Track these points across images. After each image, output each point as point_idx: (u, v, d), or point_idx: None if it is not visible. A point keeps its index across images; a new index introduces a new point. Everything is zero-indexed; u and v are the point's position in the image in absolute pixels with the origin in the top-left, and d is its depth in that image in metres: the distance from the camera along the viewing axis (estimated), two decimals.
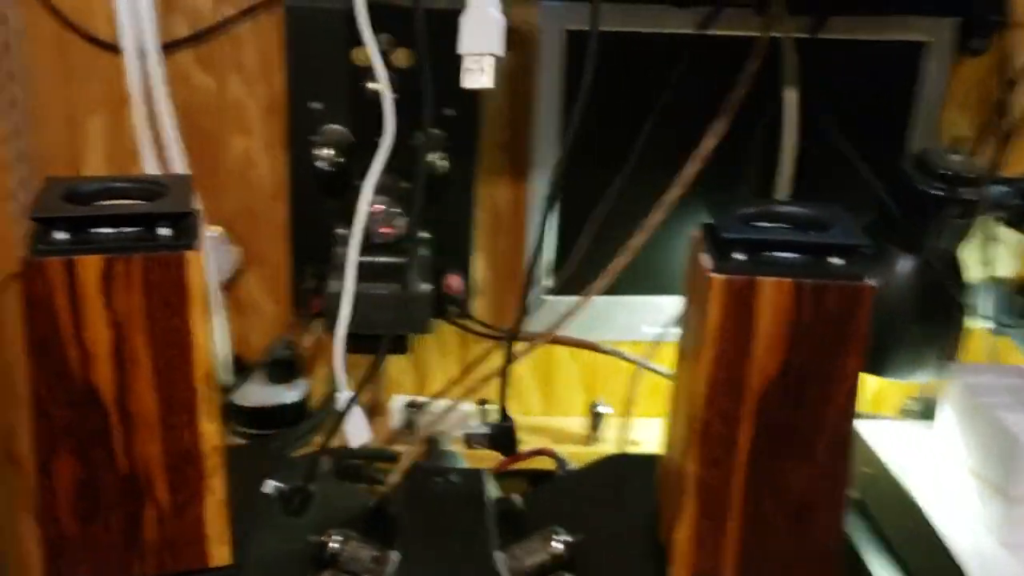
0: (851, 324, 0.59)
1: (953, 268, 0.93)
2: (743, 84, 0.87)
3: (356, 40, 0.93)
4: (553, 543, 0.72)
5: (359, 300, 0.91)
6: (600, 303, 0.92)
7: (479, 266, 1.06)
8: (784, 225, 0.62)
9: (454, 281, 1.01)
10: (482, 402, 1.06)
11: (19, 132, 0.99)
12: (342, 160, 0.93)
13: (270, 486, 0.60)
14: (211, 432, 0.60)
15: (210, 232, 1.04)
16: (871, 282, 0.59)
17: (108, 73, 0.99)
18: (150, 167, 1.01)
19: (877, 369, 0.94)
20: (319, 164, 0.92)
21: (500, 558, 0.71)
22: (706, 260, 0.60)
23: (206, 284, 0.58)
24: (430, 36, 0.83)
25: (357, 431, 0.61)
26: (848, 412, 0.61)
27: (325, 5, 0.94)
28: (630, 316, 1.06)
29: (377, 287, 0.91)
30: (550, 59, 1.00)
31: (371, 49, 0.81)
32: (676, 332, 0.70)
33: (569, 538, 0.72)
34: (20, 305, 0.55)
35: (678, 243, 0.92)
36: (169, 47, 0.99)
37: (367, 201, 0.86)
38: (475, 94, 0.95)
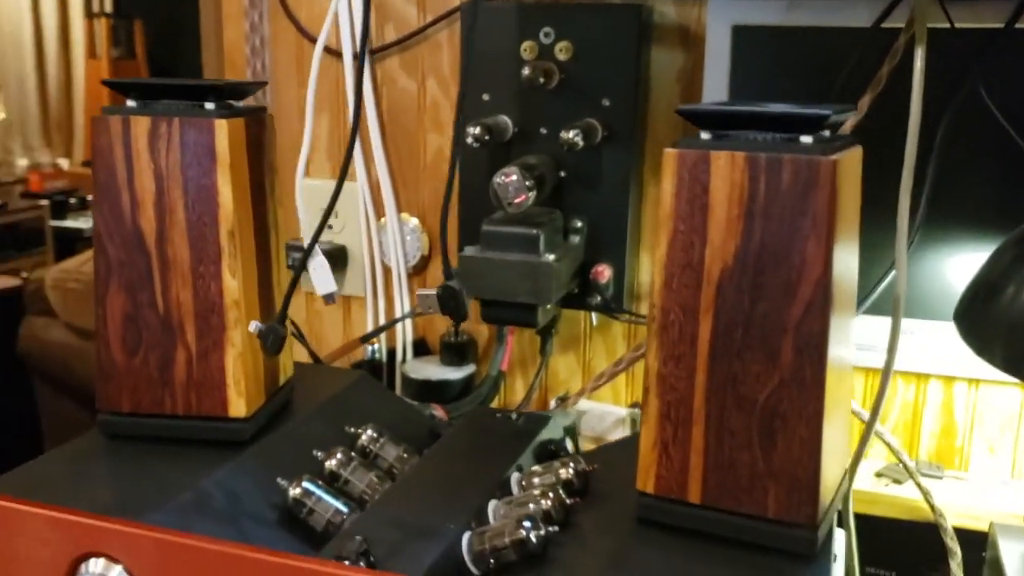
0: (809, 203, 0.54)
1: None
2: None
3: (523, 35, 1.02)
4: (569, 469, 0.70)
5: (489, 266, 0.96)
6: None
7: (643, 262, 1.06)
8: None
9: (602, 270, 1.03)
10: (634, 405, 1.06)
11: None
12: (487, 139, 1.00)
13: (253, 325, 0.67)
14: (233, 287, 0.68)
15: (407, 222, 1.16)
16: (833, 157, 0.53)
17: (333, 76, 1.15)
18: (358, 163, 1.15)
19: None
20: (468, 141, 1.00)
21: (515, 478, 0.71)
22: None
23: (238, 154, 0.68)
24: (588, 29, 0.90)
25: (323, 281, 0.65)
26: (817, 309, 0.55)
27: (496, 3, 1.03)
28: None
29: (507, 255, 0.96)
30: (717, 54, 1.01)
31: None
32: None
33: (584, 467, 0.70)
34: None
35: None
36: (378, 52, 1.13)
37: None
38: (634, 85, 0.99)
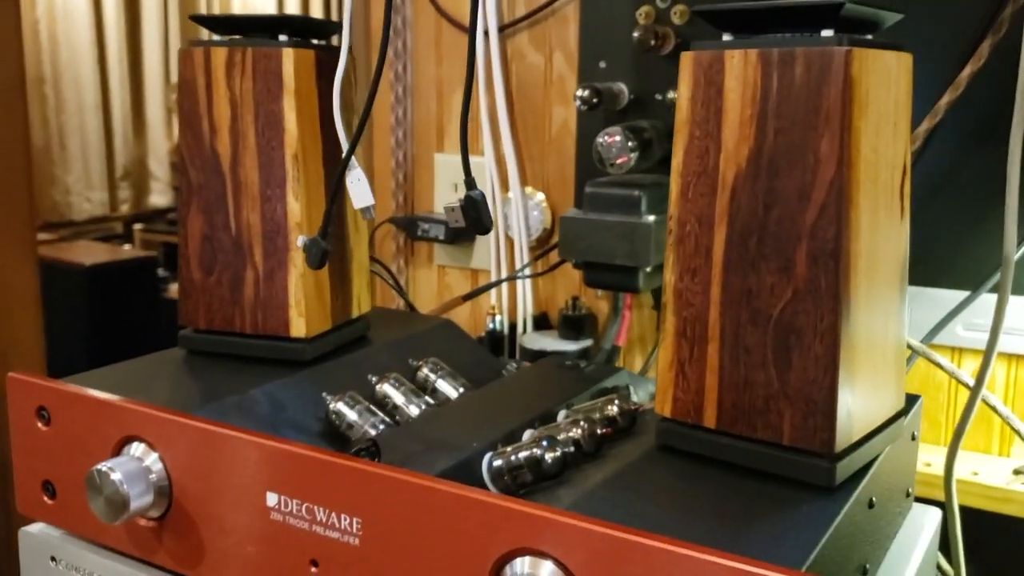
0: (823, 97, 0.50)
1: None
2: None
3: (640, 1, 1.01)
4: (614, 406, 0.68)
5: (589, 227, 0.96)
6: None
7: None
8: None
9: None
10: None
11: (400, 100, 1.23)
12: (595, 102, 1.00)
13: (300, 240, 0.69)
14: (296, 210, 0.72)
15: (532, 197, 1.17)
16: (848, 48, 0.50)
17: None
18: (486, 137, 1.18)
19: None
20: (577, 104, 1.00)
21: (563, 413, 0.70)
22: None
23: (305, 84, 0.71)
24: None
25: (360, 195, 0.67)
26: (831, 212, 0.51)
27: None
28: None
29: (607, 216, 0.95)
30: None
31: None
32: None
33: (631, 406, 0.68)
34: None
35: None
36: (508, 28, 1.16)
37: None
38: None
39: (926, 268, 0.94)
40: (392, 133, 1.25)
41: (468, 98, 0.63)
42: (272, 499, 0.56)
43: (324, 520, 0.54)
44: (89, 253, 3.27)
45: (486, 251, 1.22)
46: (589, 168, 1.00)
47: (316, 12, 4.95)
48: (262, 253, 0.73)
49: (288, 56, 0.70)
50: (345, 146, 0.67)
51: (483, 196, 0.60)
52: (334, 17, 5.04)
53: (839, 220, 0.51)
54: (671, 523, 0.50)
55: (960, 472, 0.90)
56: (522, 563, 0.48)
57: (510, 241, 1.19)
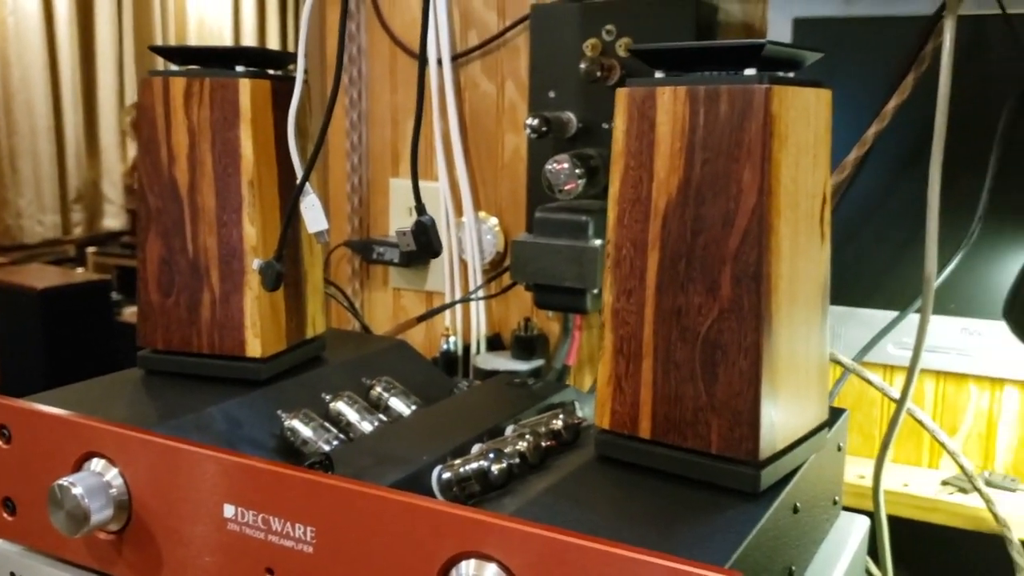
0: (744, 131, 0.55)
1: None
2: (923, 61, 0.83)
3: (586, 33, 1.05)
4: (560, 420, 0.72)
5: (539, 251, 0.99)
6: None
7: None
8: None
9: None
10: None
11: (355, 126, 1.26)
12: (545, 130, 1.04)
13: (256, 263, 0.72)
14: (251, 234, 0.74)
15: (486, 221, 1.20)
16: (768, 86, 0.54)
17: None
18: (440, 163, 1.21)
19: None
20: (527, 132, 1.04)
21: (510, 428, 0.73)
22: None
23: (261, 112, 0.74)
24: (647, 24, 0.94)
25: (314, 220, 0.70)
26: (753, 238, 0.55)
27: (562, 4, 1.08)
28: None
29: (556, 240, 0.99)
30: None
31: None
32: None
33: (575, 420, 0.72)
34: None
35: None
36: (461, 57, 1.20)
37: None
38: None
39: (858, 289, 0.99)
40: (348, 158, 1.28)
41: (418, 125, 0.66)
42: (229, 511, 0.58)
43: (279, 530, 0.57)
44: (41, 277, 3.25)
45: (440, 274, 1.25)
46: (540, 194, 1.04)
47: (272, 31, 4.96)
48: (219, 276, 0.75)
49: (244, 86, 0.73)
50: (300, 172, 0.70)
51: (433, 221, 0.64)
52: (290, 40, 5.06)
53: (760, 245, 0.55)
54: (606, 527, 0.53)
55: (891, 484, 0.95)
56: (467, 566, 0.51)
57: (464, 264, 1.22)
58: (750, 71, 0.56)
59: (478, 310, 1.22)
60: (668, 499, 0.57)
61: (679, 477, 0.59)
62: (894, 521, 0.91)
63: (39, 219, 4.58)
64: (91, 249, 4.57)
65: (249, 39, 5.01)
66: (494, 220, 1.22)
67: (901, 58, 0.91)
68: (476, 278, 1.21)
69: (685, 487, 0.58)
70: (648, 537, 0.52)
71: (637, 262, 0.59)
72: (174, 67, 0.77)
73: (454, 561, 0.52)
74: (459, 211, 1.22)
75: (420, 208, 0.63)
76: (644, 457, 0.60)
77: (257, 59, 0.76)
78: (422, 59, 0.70)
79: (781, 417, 0.58)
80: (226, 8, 5.07)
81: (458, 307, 1.23)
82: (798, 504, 0.60)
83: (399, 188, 1.27)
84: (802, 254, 0.58)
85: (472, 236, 1.21)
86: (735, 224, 0.55)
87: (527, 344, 1.18)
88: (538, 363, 1.17)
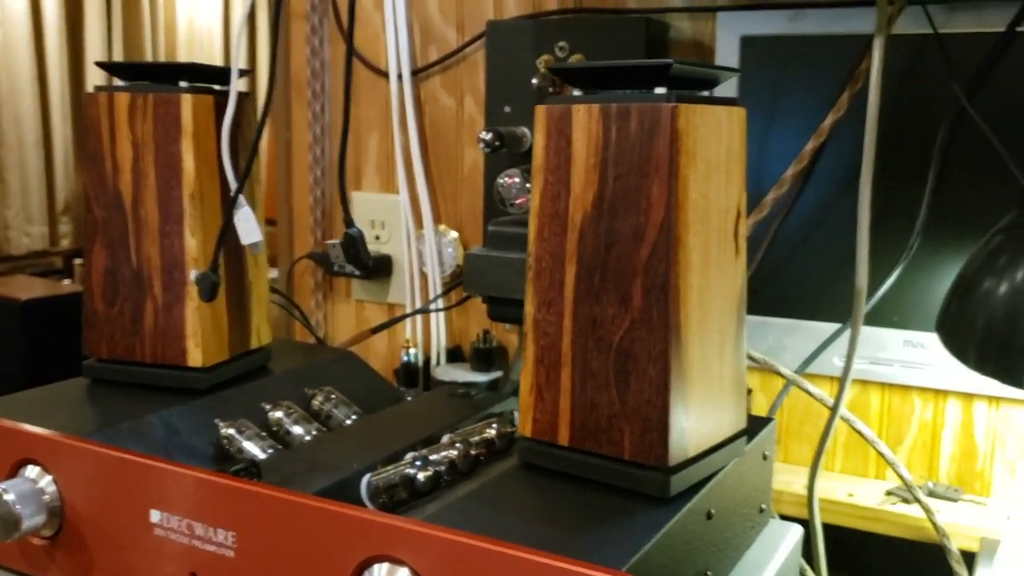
0: (653, 148, 0.56)
1: None
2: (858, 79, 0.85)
3: (540, 49, 1.07)
4: (493, 429, 0.73)
5: (491, 264, 1.01)
6: None
7: None
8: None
9: None
10: None
11: (318, 139, 1.28)
12: (498, 144, 1.05)
13: (193, 274, 0.74)
14: (192, 245, 0.76)
15: (446, 234, 1.22)
16: (675, 104, 0.56)
17: (383, 96, 1.24)
18: (401, 176, 1.23)
19: (1021, 379, 0.78)
20: (480, 147, 1.06)
21: (446, 437, 0.75)
22: None
23: (203, 127, 0.76)
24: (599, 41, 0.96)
25: (248, 232, 0.71)
26: (661, 251, 0.57)
27: (516, 20, 1.10)
28: None
29: (508, 253, 1.00)
30: (726, 63, 1.03)
31: None
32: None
33: (509, 429, 0.73)
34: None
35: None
36: (421, 72, 1.21)
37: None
38: None
39: (803, 302, 1.01)
40: (311, 171, 1.30)
41: (345, 137, 0.68)
42: (155, 516, 0.60)
43: (203, 535, 0.58)
44: (26, 288, 3.24)
45: (402, 286, 1.26)
46: (495, 207, 1.06)
47: (263, 36, 4.95)
48: (161, 286, 0.77)
49: (187, 101, 0.75)
50: (233, 185, 0.72)
51: (361, 233, 0.65)
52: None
53: (668, 258, 0.56)
54: (518, 531, 0.55)
55: (837, 494, 0.97)
56: (379, 569, 0.53)
57: (425, 277, 1.24)
58: (660, 90, 0.57)
59: (438, 322, 1.23)
60: (582, 504, 0.58)
61: (596, 483, 0.60)
62: (840, 531, 0.93)
63: (26, 230, 4.58)
64: (78, 261, 4.58)
65: (239, 46, 5.02)
66: (454, 233, 1.23)
67: (842, 76, 0.93)
68: (436, 290, 1.23)
69: (601, 493, 0.60)
70: (556, 540, 0.53)
71: (556, 274, 0.61)
72: (120, 82, 0.78)
73: (366, 564, 0.53)
74: (419, 224, 1.24)
75: (348, 220, 0.64)
76: (563, 463, 0.62)
77: (201, 75, 0.78)
78: (348, 68, 0.71)
79: (692, 424, 0.59)
80: (216, 16, 5.08)
81: (419, 319, 1.24)
82: (712, 510, 0.62)
83: (361, 201, 1.29)
84: (714, 267, 0.60)
85: (432, 249, 1.22)
86: (645, 237, 0.57)
87: (485, 356, 1.19)
88: (496, 374, 1.18)
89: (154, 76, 0.78)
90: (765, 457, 0.73)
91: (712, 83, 0.61)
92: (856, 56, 0.91)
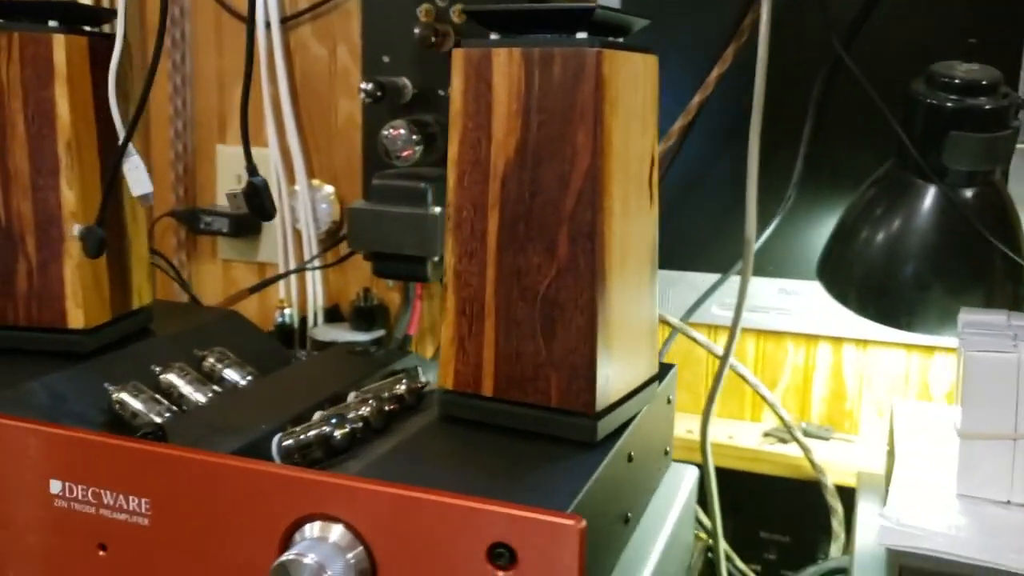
0: (578, 94, 0.56)
1: (992, 201, 0.80)
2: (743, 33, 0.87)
3: None
4: (403, 385, 0.72)
5: (377, 218, 0.98)
6: None
7: None
8: None
9: None
10: None
11: (178, 91, 1.21)
12: (379, 95, 1.03)
13: (76, 228, 0.69)
14: (70, 199, 0.71)
15: (320, 189, 1.18)
16: (599, 49, 0.55)
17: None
18: (270, 128, 1.18)
19: (899, 320, 0.82)
20: (361, 98, 1.03)
21: (352, 395, 0.73)
22: None
23: (79, 71, 0.70)
24: None
25: (138, 182, 0.68)
26: (587, 199, 0.56)
27: None
28: None
29: (394, 207, 0.98)
30: None
31: None
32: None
33: (417, 384, 0.72)
34: None
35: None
36: (290, 20, 1.16)
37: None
38: None
39: (684, 254, 1.03)
40: (171, 124, 1.23)
41: (248, 82, 0.64)
42: (56, 486, 0.56)
43: (111, 503, 0.55)
44: None
45: (273, 244, 1.22)
46: (376, 160, 1.03)
47: None
48: (35, 244, 0.71)
49: (59, 42, 0.69)
50: (122, 134, 0.67)
51: (265, 183, 0.62)
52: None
53: (594, 205, 0.56)
54: (450, 482, 0.54)
55: (717, 436, 1.00)
56: (312, 528, 0.51)
57: (298, 234, 1.20)
58: (582, 35, 0.57)
59: (314, 281, 1.20)
60: (511, 452, 0.58)
61: (521, 432, 0.60)
62: (721, 472, 0.96)
63: None
64: None
65: None
66: (329, 188, 1.20)
67: (723, 28, 0.95)
68: (311, 248, 1.19)
69: (527, 441, 0.59)
70: (491, 488, 0.53)
71: (478, 224, 0.60)
72: None
73: (299, 524, 0.51)
74: (291, 179, 1.19)
75: (252, 169, 0.61)
76: (487, 414, 0.61)
77: (72, 15, 0.72)
78: (251, 19, 0.68)
79: (615, 371, 0.60)
80: None
81: (293, 278, 1.21)
82: (632, 453, 0.63)
83: (227, 155, 1.23)
84: (633, 215, 0.60)
85: (306, 204, 1.18)
86: (570, 185, 0.57)
87: (367, 314, 1.17)
88: (379, 333, 1.16)
89: (19, 14, 0.71)
90: (669, 401, 0.75)
91: (626, 30, 0.61)
92: (741, 8, 0.93)
